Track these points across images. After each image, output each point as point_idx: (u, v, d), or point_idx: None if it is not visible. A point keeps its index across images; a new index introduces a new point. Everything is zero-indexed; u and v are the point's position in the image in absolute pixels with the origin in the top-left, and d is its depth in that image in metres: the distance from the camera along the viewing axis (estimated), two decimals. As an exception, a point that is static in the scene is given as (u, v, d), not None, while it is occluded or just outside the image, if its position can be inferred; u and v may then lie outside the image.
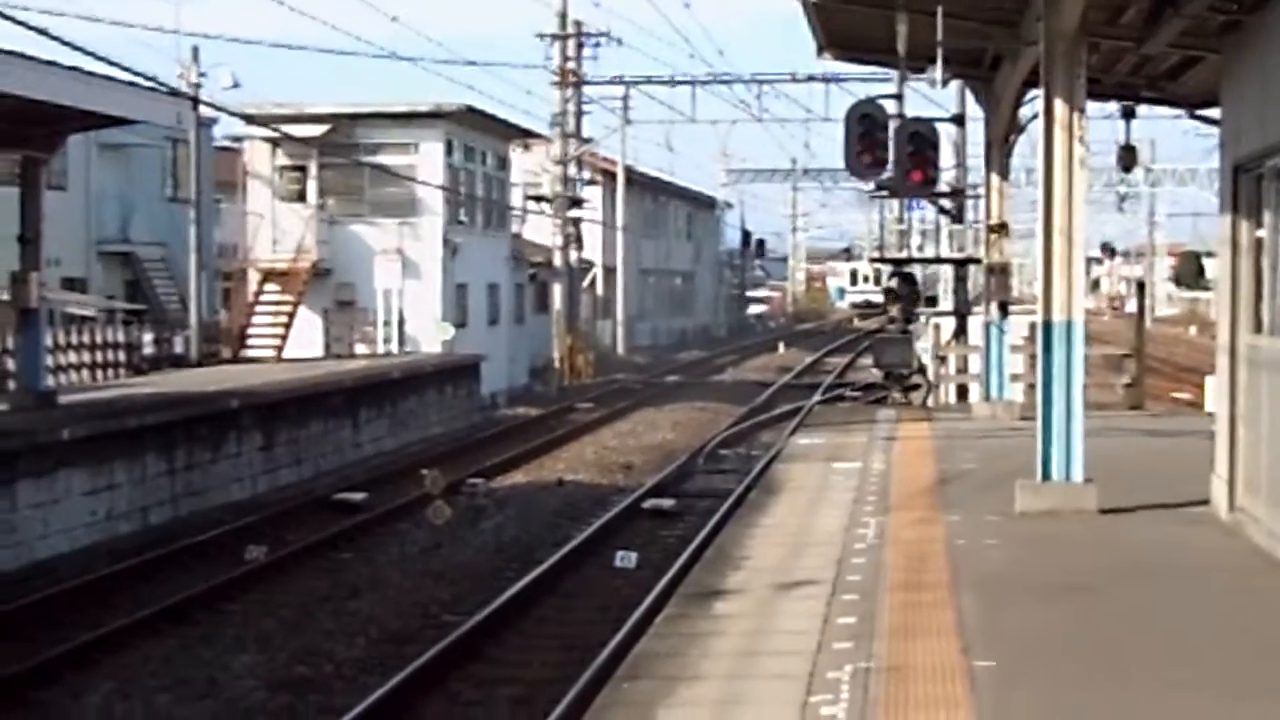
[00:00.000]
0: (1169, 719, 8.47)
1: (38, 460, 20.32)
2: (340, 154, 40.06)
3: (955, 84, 29.67)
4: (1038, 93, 15.25)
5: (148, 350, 35.43)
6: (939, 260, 40.75)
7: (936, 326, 34.65)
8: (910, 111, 20.70)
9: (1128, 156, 27.04)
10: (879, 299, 45.48)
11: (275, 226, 40.95)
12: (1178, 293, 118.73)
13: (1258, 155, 13.27)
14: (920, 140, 18.90)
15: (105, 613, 17.19)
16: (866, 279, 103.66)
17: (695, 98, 53.40)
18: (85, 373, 31.94)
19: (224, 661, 15.32)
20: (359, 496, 25.54)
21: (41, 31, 17.26)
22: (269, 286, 40.53)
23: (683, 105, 60.64)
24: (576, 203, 52.15)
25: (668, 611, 11.32)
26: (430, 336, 40.83)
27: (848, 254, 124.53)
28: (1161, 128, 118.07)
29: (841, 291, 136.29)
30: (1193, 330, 79.81)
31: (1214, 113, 17.06)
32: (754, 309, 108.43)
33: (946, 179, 36.14)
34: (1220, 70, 15.22)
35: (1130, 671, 9.31)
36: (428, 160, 41.39)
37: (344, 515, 24.03)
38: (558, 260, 51.37)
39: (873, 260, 41.58)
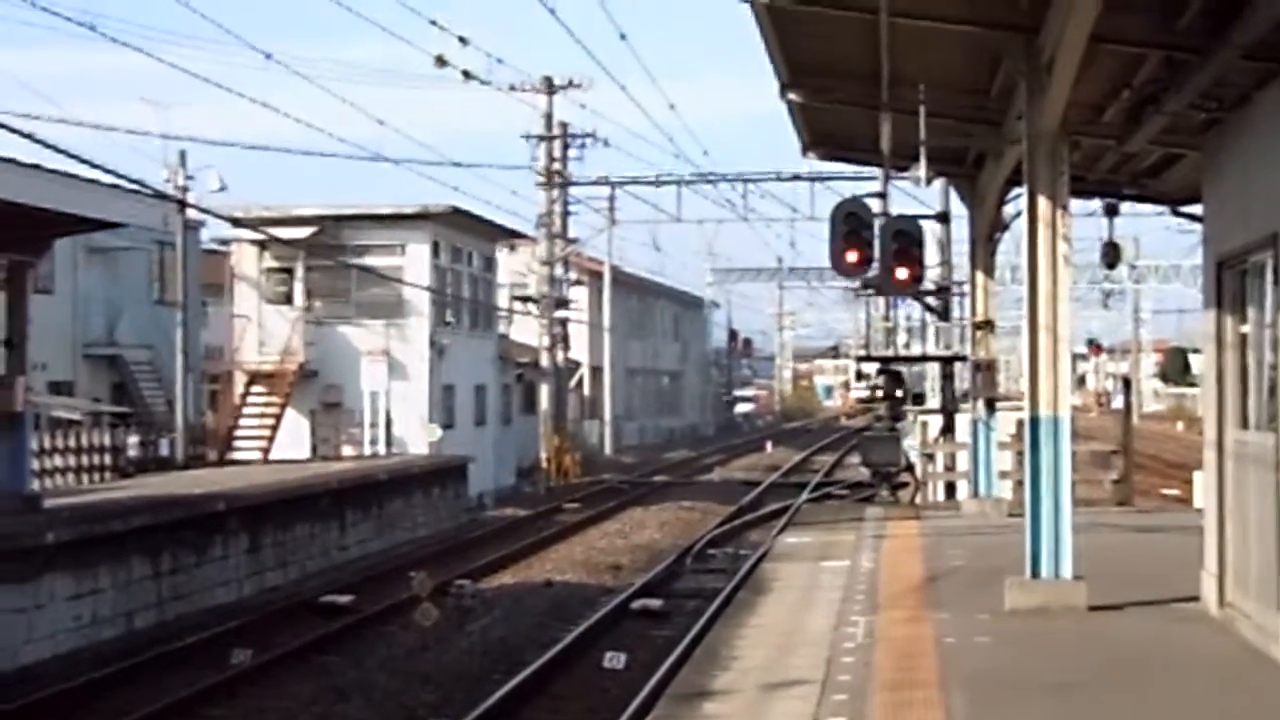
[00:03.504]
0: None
1: (22, 565, 20.16)
2: (327, 256, 40.20)
3: (940, 182, 29.89)
4: (1021, 190, 15.32)
5: (133, 453, 35.27)
6: (925, 358, 40.81)
7: (924, 424, 34.62)
8: (895, 209, 20.79)
9: (1111, 253, 27.13)
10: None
11: (262, 328, 41.09)
12: (1164, 389, 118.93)
13: (1240, 251, 13.32)
14: (905, 238, 18.91)
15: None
16: (868, 376, 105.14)
17: (681, 197, 53.61)
18: (71, 476, 31.79)
19: (208, 768, 15.16)
20: (346, 599, 25.36)
21: (28, 136, 17.28)
22: (255, 388, 40.57)
23: (668, 205, 60.72)
24: (563, 303, 52.28)
25: (656, 713, 11.23)
26: (417, 437, 40.81)
27: (835, 352, 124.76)
28: (1144, 224, 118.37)
29: (829, 390, 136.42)
30: (1180, 426, 79.83)
31: (1196, 209, 17.17)
32: (741, 408, 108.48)
33: (932, 276, 36.30)
34: (1202, 167, 15.31)
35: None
36: (414, 261, 41.55)
37: (331, 618, 23.84)
38: (545, 360, 51.42)
39: (859, 359, 41.60)
